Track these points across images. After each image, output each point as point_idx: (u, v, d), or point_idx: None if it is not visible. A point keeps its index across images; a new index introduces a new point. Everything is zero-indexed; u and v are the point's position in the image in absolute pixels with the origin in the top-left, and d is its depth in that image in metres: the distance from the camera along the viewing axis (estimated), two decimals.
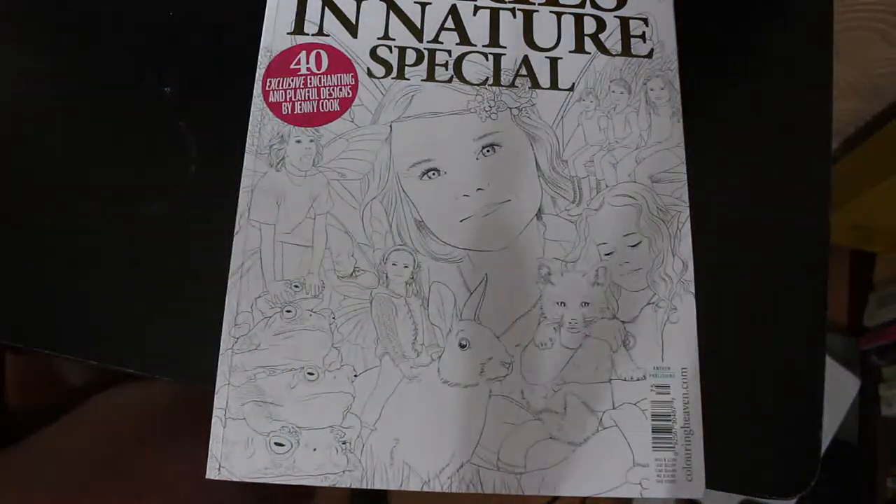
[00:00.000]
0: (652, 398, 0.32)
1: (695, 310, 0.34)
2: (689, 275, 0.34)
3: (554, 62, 0.37)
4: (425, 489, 0.30)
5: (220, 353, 0.31)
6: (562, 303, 0.33)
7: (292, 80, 0.35)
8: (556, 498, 0.93)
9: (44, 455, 0.44)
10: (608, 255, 0.34)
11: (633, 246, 0.34)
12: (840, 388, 0.95)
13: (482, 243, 0.34)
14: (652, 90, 0.37)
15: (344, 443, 0.31)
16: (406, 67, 0.36)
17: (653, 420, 0.32)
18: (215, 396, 0.31)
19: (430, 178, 0.34)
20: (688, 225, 0.35)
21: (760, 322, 0.35)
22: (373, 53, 0.36)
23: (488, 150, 0.35)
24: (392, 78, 0.36)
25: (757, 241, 0.36)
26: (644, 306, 0.33)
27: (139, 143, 0.35)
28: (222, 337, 0.31)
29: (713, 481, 0.32)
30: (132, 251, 0.34)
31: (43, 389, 0.55)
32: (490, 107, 0.36)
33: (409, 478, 0.31)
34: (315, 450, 0.30)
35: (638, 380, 0.33)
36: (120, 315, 0.33)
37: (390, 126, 0.35)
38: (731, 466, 0.32)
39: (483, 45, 0.37)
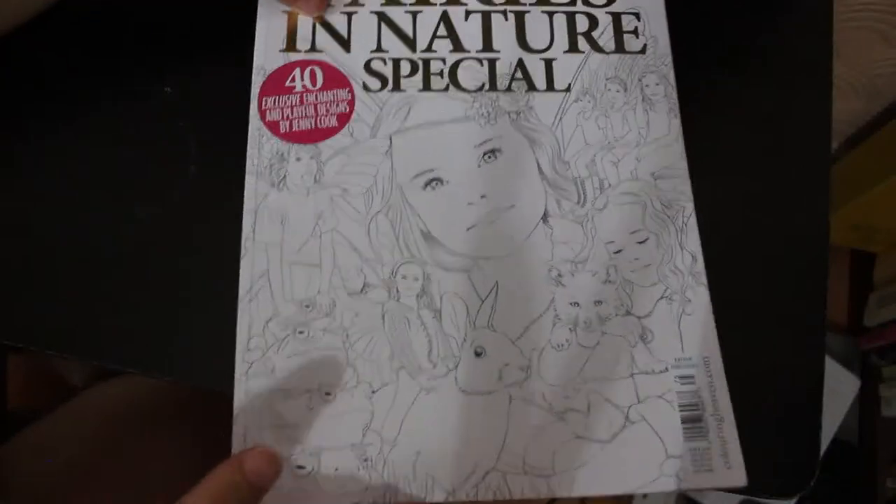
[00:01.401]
0: (677, 389, 0.32)
1: (709, 300, 0.34)
2: (700, 266, 0.34)
3: (549, 63, 0.37)
4: (450, 500, 0.30)
5: (235, 378, 0.31)
6: (575, 303, 0.33)
7: (288, 98, 0.35)
8: (553, 501, 0.93)
9: (35, 450, 0.44)
10: (617, 252, 0.34)
11: (640, 243, 0.34)
12: (840, 388, 0.95)
13: (490, 250, 0.33)
14: (647, 86, 0.37)
15: (365, 460, 0.30)
16: (402, 79, 0.36)
17: (681, 410, 0.32)
18: (233, 423, 0.30)
19: (433, 188, 0.34)
20: (693, 218, 0.35)
21: (760, 322, 0.35)
22: (367, 67, 0.36)
23: (489, 157, 0.35)
24: (388, 91, 0.35)
25: (756, 241, 0.36)
26: (658, 300, 0.33)
27: (139, 143, 0.35)
28: (236, 362, 0.31)
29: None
30: (133, 251, 0.34)
31: (43, 389, 0.55)
32: (488, 113, 0.35)
33: (434, 490, 0.30)
34: (337, 469, 0.30)
35: (660, 372, 0.32)
36: (121, 315, 0.33)
37: (390, 138, 0.35)
38: None
39: (477, 51, 0.37)
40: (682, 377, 0.32)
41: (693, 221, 0.35)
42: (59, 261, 0.34)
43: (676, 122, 0.36)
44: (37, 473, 0.43)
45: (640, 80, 0.37)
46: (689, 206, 0.35)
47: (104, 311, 0.33)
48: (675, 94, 0.37)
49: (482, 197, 0.34)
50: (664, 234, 0.34)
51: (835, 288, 1.03)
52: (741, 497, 0.71)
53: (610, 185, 0.35)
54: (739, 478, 0.31)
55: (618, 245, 0.34)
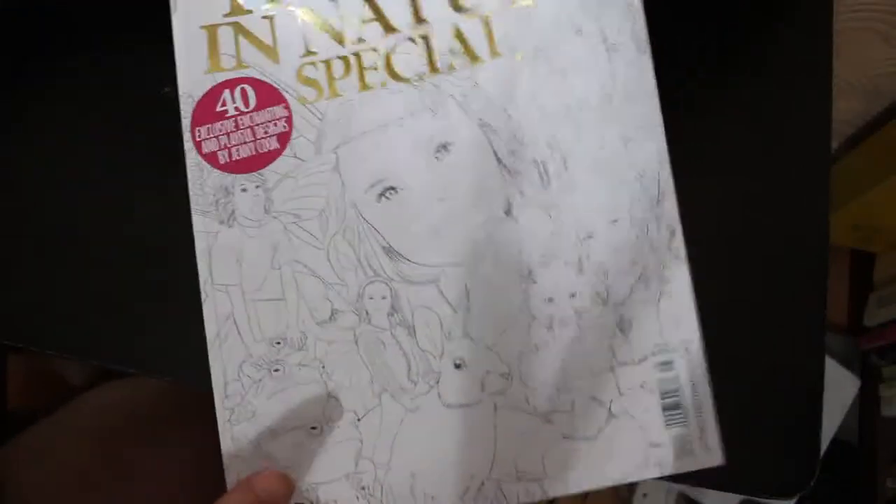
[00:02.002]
0: (657, 376, 0.31)
1: (689, 278, 0.32)
2: (679, 241, 0.32)
3: (487, 23, 0.32)
4: None
5: (219, 426, 0.31)
6: (549, 299, 0.31)
7: (222, 125, 0.32)
8: (552, 501, 0.93)
9: (32, 454, 0.44)
10: (588, 238, 0.32)
11: (612, 223, 0.32)
12: (840, 388, 0.94)
13: (455, 255, 0.32)
14: (608, 25, 0.32)
15: (363, 488, 0.30)
16: (336, 82, 0.33)
17: (661, 398, 0.31)
18: (225, 471, 0.30)
19: (387, 198, 0.32)
20: (670, 185, 0.32)
21: (760, 322, 0.35)
22: (299, 76, 0.33)
23: (441, 152, 0.32)
24: (325, 99, 0.32)
25: (756, 241, 0.36)
26: (634, 284, 0.31)
27: (139, 143, 0.35)
28: (216, 410, 0.31)
29: (714, 481, 0.32)
30: (133, 251, 0.34)
31: (43, 389, 0.55)
32: (432, 102, 0.32)
33: None
34: (336, 501, 0.30)
35: (640, 361, 0.31)
36: (120, 315, 0.33)
37: (335, 153, 0.32)
38: (731, 466, 0.32)
39: (408, 27, 0.33)
40: (661, 364, 0.31)
41: (670, 189, 0.32)
42: (59, 261, 0.33)
43: (646, 63, 0.32)
44: (34, 478, 0.42)
45: (597, 19, 0.32)
46: (665, 172, 0.32)
47: (104, 311, 0.33)
48: (643, 26, 0.32)
49: (439, 199, 0.32)
50: (637, 207, 0.32)
51: (835, 288, 1.02)
52: (741, 497, 0.71)
53: (575, 161, 0.32)
54: (716, 458, 0.31)
55: (588, 229, 0.32)
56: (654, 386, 0.31)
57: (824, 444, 0.89)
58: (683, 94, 0.37)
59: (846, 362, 0.96)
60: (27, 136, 0.35)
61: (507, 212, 0.32)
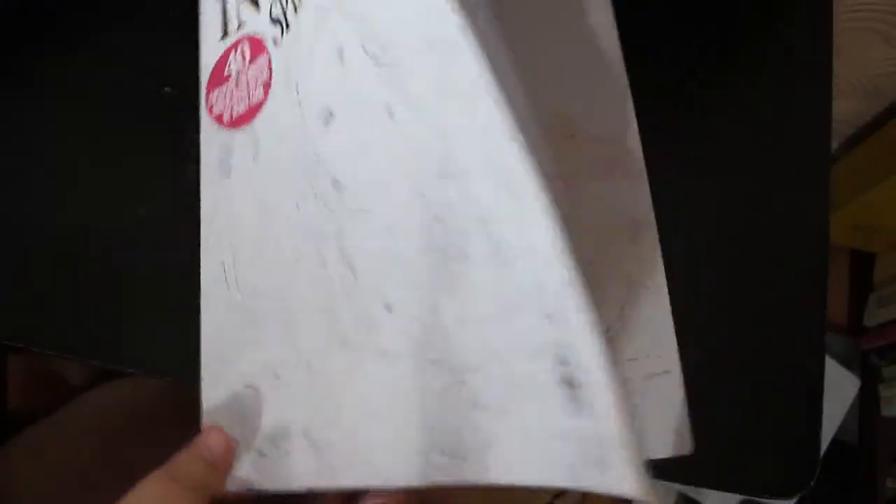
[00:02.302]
0: (545, 335, 0.20)
1: (540, 191, 0.20)
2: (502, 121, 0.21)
3: None
4: (391, 485, 0.26)
5: (202, 376, 0.31)
6: (437, 219, 0.24)
7: (227, 86, 0.34)
8: (560, 493, 0.93)
9: (32, 453, 0.44)
10: (465, 138, 0.23)
11: (466, 123, 0.23)
12: (840, 388, 0.94)
13: (374, 179, 0.27)
14: None
15: (313, 442, 0.29)
16: (287, 15, 0.31)
17: (554, 367, 0.20)
18: (202, 416, 0.31)
19: (328, 124, 0.29)
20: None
21: (760, 322, 0.35)
22: (270, 18, 0.32)
23: (340, 58, 0.27)
24: (284, 35, 0.31)
25: (756, 241, 0.36)
26: (490, 176, 0.22)
27: (139, 143, 0.35)
28: (202, 357, 0.31)
29: (714, 481, 0.32)
30: (132, 251, 0.34)
31: (43, 389, 0.55)
32: (321, 6, 0.29)
33: (375, 473, 0.27)
34: (290, 454, 0.29)
35: (523, 309, 0.21)
36: (120, 315, 0.33)
37: (296, 86, 0.30)
38: (731, 466, 0.32)
39: None
40: (547, 317, 0.20)
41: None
42: (59, 261, 0.33)
43: None
44: (34, 478, 0.42)
45: None
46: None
47: (104, 311, 0.33)
48: None
49: (352, 114, 0.28)
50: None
51: (835, 288, 1.02)
52: (741, 497, 0.71)
53: (435, 42, 0.23)
54: (625, 484, 0.19)
55: (451, 134, 0.23)
56: (545, 348, 0.20)
57: (824, 444, 0.89)
58: (683, 94, 0.37)
59: (846, 362, 0.96)
60: (27, 136, 0.35)
61: (390, 114, 0.25)
